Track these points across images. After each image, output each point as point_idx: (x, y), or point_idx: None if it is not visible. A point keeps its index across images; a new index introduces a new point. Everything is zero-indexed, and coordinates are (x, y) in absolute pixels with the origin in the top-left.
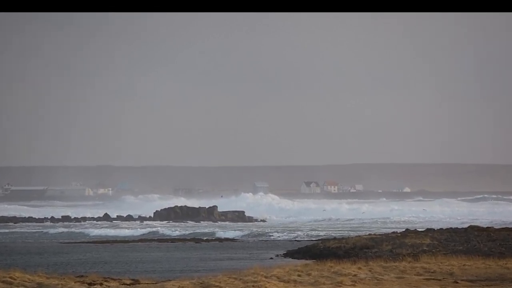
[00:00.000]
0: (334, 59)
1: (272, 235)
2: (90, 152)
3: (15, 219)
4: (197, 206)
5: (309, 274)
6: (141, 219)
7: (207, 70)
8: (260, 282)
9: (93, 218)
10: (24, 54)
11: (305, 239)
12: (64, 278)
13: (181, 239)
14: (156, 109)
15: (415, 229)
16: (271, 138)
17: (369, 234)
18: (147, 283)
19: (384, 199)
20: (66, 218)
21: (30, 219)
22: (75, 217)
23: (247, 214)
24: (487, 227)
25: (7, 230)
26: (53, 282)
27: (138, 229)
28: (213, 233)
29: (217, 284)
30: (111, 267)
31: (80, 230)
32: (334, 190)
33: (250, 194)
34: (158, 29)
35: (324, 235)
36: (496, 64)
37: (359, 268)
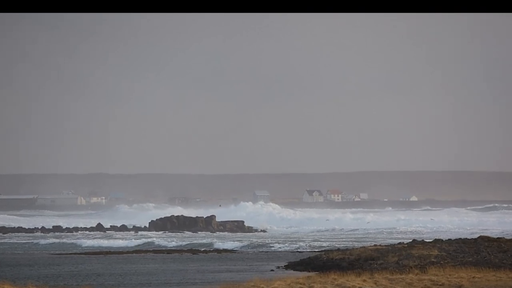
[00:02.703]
0: (337, 62)
1: (273, 246)
2: (82, 159)
3: (4, 229)
4: (194, 216)
5: (311, 287)
6: (136, 229)
7: (205, 73)
8: None
9: (85, 228)
10: (12, 57)
11: (308, 250)
12: None
13: (178, 250)
14: (151, 114)
15: (423, 240)
16: (271, 145)
17: (375, 245)
18: None
19: (390, 208)
20: (57, 228)
21: (19, 229)
22: (66, 227)
23: (246, 224)
24: (498, 238)
25: None
26: None
27: (133, 240)
28: (211, 244)
29: None
30: (104, 280)
31: (72, 241)
32: (338, 199)
33: (250, 203)
34: (154, 31)
35: (327, 246)
36: (507, 69)
37: (364, 281)
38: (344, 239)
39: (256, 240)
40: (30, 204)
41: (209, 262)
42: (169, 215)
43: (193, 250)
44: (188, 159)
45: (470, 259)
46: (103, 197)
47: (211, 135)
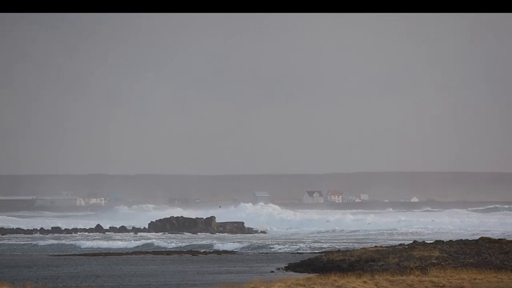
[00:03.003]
0: (337, 62)
1: (273, 247)
2: (81, 160)
3: (2, 231)
4: (194, 217)
5: None
6: (135, 230)
7: (205, 73)
8: None
9: (84, 230)
10: (12, 57)
11: (308, 251)
12: None
13: (177, 252)
14: (150, 114)
15: (423, 241)
16: (271, 145)
17: (375, 246)
18: None
19: (391, 209)
20: (56, 230)
21: (18, 231)
22: (65, 229)
23: (246, 225)
24: (499, 239)
25: None
26: None
27: (132, 241)
28: (211, 245)
29: None
30: (103, 281)
31: (71, 242)
32: (338, 200)
33: (250, 204)
34: (153, 31)
35: (328, 247)
36: (507, 69)
37: (365, 282)
38: (344, 240)
39: (256, 241)
40: (29, 205)
41: (209, 264)
42: (169, 216)
43: (192, 252)
44: (187, 159)
45: (471, 260)
46: (102, 198)
47: (211, 136)
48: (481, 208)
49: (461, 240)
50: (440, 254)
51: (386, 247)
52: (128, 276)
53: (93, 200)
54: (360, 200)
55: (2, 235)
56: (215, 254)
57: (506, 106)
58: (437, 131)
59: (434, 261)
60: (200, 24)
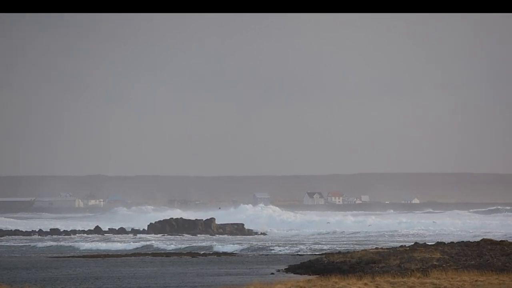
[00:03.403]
0: (337, 63)
1: (273, 249)
2: (80, 161)
3: (1, 232)
4: (193, 218)
5: None
6: (134, 232)
7: (204, 74)
8: None
9: (83, 231)
10: (10, 58)
11: (308, 253)
12: None
13: (177, 253)
14: (150, 115)
15: (425, 243)
16: (272, 147)
17: (376, 248)
18: None
19: (392, 210)
20: (55, 231)
21: (16, 232)
22: (64, 230)
23: (246, 226)
24: (501, 241)
25: None
26: None
27: (131, 243)
28: (210, 247)
29: None
30: (102, 283)
31: (70, 244)
32: (339, 202)
33: (250, 205)
34: (152, 32)
35: (328, 249)
36: (508, 70)
37: (365, 284)
38: (345, 242)
39: (256, 243)
40: (27, 206)
41: (209, 265)
42: (168, 218)
43: (192, 253)
44: (187, 161)
45: (473, 262)
46: (101, 200)
47: (211, 136)
48: (483, 209)
49: (463, 241)
50: (441, 256)
51: (387, 248)
52: (127, 278)
53: (92, 202)
54: (360, 202)
55: (0, 236)
56: (215, 256)
57: (507, 107)
58: (438, 132)
59: (435, 262)
60: (200, 24)
